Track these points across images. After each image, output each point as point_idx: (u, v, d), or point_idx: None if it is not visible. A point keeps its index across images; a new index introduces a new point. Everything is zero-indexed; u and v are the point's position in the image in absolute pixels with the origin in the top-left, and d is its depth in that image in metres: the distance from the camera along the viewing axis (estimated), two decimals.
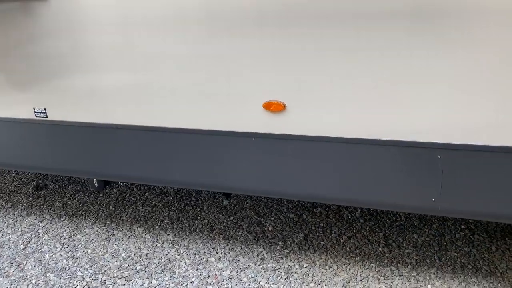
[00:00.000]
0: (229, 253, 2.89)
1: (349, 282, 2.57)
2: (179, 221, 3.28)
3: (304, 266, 2.73)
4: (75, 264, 2.84)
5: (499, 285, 2.44)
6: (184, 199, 3.55)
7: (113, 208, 3.49)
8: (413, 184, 1.90)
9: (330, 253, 2.82)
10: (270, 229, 3.12)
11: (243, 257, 2.84)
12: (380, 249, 2.83)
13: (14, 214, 3.48)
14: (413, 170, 1.88)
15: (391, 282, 2.54)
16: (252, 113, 2.03)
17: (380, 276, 2.60)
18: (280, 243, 2.96)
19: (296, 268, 2.71)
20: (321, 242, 2.94)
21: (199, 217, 3.31)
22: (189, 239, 3.04)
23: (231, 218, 3.28)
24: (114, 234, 3.14)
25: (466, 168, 1.79)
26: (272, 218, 3.24)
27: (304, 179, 2.07)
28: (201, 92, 2.05)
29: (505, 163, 1.72)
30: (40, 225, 3.32)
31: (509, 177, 1.74)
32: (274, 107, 1.97)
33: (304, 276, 2.64)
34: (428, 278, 2.55)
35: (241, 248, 2.93)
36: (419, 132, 1.81)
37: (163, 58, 2.04)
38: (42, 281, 2.70)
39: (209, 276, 2.67)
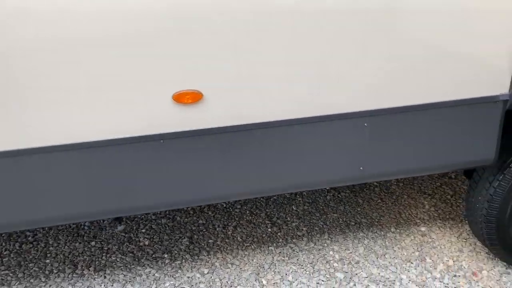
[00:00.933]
0: (112, 286, 2.34)
1: (258, 273, 2.42)
2: (22, 266, 2.48)
3: (206, 273, 2.43)
4: None
5: (382, 232, 2.69)
6: (16, 237, 2.71)
7: None
8: (343, 157, 1.85)
9: (225, 249, 2.60)
10: (147, 243, 2.66)
11: (132, 286, 2.35)
12: (269, 229, 2.76)
13: None
14: (343, 143, 1.82)
15: (297, 259, 2.50)
16: (159, 108, 1.60)
17: (284, 257, 2.53)
18: (166, 255, 2.56)
19: (198, 277, 2.40)
20: (210, 241, 2.67)
21: (48, 254, 2.58)
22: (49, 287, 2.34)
23: (92, 243, 2.67)
24: None
25: (386, 131, 1.83)
26: (143, 231, 2.78)
27: (232, 176, 1.77)
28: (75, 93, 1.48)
29: (419, 120, 1.82)
30: None
31: (421, 133, 1.86)
32: (188, 98, 1.59)
33: (211, 283, 2.35)
34: (326, 245, 2.61)
35: (124, 276, 2.41)
36: (346, 103, 1.74)
37: None
38: None
39: None
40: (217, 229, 2.78)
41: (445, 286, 2.25)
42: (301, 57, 1.61)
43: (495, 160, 1.96)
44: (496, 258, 2.38)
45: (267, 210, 2.95)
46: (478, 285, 2.24)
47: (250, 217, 2.88)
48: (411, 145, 1.87)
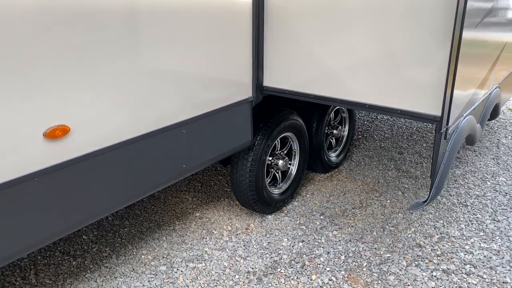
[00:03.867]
0: None
1: None
2: None
3: None
4: None
5: (171, 227, 3.22)
6: None
7: None
8: (170, 161, 2.31)
9: None
10: None
11: None
12: (74, 263, 2.81)
13: None
14: (169, 149, 2.28)
15: (119, 273, 2.72)
16: (31, 147, 1.64)
17: (106, 276, 2.69)
18: None
19: None
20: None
21: None
22: None
23: None
24: None
25: (197, 133, 2.44)
26: None
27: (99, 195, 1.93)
28: None
29: (209, 122, 2.52)
30: None
31: (211, 132, 2.56)
32: (58, 133, 1.70)
33: None
34: (134, 253, 2.92)
35: None
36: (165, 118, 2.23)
37: None
38: None
39: None
40: (17, 282, 2.60)
41: (236, 243, 3.04)
42: (126, 91, 1.99)
43: (251, 142, 2.90)
44: (253, 213, 3.36)
45: (59, 248, 2.94)
46: (252, 233, 3.15)
47: (45, 260, 2.81)
48: (208, 140, 2.55)
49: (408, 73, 2.37)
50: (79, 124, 1.80)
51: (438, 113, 2.25)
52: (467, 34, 2.26)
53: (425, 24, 2.24)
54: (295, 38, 2.70)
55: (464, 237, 3.07)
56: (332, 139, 4.07)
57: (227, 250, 2.94)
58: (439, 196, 3.59)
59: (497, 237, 3.07)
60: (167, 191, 3.70)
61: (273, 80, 2.85)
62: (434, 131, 4.58)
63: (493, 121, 5.34)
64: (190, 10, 2.21)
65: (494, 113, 3.69)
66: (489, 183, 3.85)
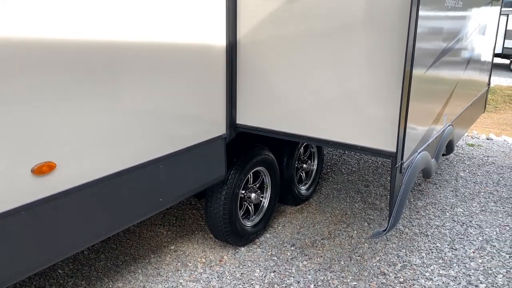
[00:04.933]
0: None
1: None
2: None
3: None
4: None
5: (146, 260, 3.30)
6: None
7: None
8: (150, 195, 2.46)
9: None
10: None
11: None
12: None
13: None
14: (147, 183, 2.43)
15: None
16: (19, 183, 1.76)
17: None
18: None
19: None
20: None
21: None
22: None
23: None
24: None
25: (174, 168, 2.60)
26: None
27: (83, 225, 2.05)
28: None
29: (186, 157, 2.68)
30: None
31: (185, 168, 2.72)
32: (45, 169, 1.84)
33: None
34: (110, 286, 2.99)
35: None
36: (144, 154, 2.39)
37: None
38: None
39: None
40: None
41: (210, 275, 3.14)
42: (107, 130, 2.14)
43: (225, 176, 3.07)
44: (227, 245, 3.48)
45: (34, 283, 2.97)
46: (226, 265, 3.26)
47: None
48: (184, 175, 2.71)
49: (367, 112, 2.62)
50: (65, 160, 1.94)
51: (393, 149, 2.50)
52: (417, 76, 2.55)
53: (380, 66, 2.51)
54: (265, 80, 2.94)
55: (425, 265, 3.27)
56: (302, 173, 4.29)
57: (202, 281, 3.05)
58: (402, 226, 3.82)
59: (455, 264, 3.29)
60: (142, 225, 3.80)
61: (245, 118, 3.06)
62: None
63: (451, 155, 5.69)
64: (168, 54, 2.41)
65: (449, 148, 4.00)
66: (448, 214, 4.11)
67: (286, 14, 2.77)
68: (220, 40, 2.81)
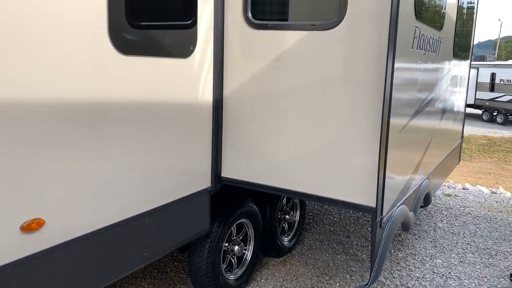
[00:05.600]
0: None
1: None
2: None
3: None
4: None
5: None
6: None
7: None
8: (136, 250, 2.47)
9: None
10: None
11: None
12: None
13: None
14: (133, 237, 2.45)
15: None
16: (8, 240, 1.78)
17: None
18: None
19: None
20: None
21: None
22: None
23: None
24: None
25: (160, 222, 2.62)
26: None
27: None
28: None
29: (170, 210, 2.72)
30: None
31: (170, 221, 2.75)
32: (34, 226, 1.86)
33: None
34: None
35: None
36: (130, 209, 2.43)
37: None
38: None
39: None
40: None
41: None
42: (94, 186, 2.19)
43: (209, 229, 3.10)
44: None
45: None
46: None
47: None
48: (169, 229, 2.73)
49: (347, 166, 2.74)
50: (53, 217, 1.97)
51: (373, 204, 2.59)
52: (395, 130, 2.70)
53: (359, 121, 2.65)
54: (249, 133, 3.05)
55: None
56: (285, 224, 4.33)
57: None
58: (383, 278, 3.85)
59: None
60: (123, 278, 3.73)
61: (230, 171, 3.14)
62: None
63: (429, 206, 5.83)
64: (156, 109, 2.51)
65: (427, 201, 4.13)
66: (427, 265, 4.18)
67: (269, 72, 2.93)
68: (207, 97, 2.93)
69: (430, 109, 3.75)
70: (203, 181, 3.00)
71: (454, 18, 4.35)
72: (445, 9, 3.89)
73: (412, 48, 2.96)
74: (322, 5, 2.88)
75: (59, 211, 2.00)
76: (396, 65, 2.55)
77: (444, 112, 4.44)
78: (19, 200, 1.83)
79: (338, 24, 2.67)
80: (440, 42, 3.77)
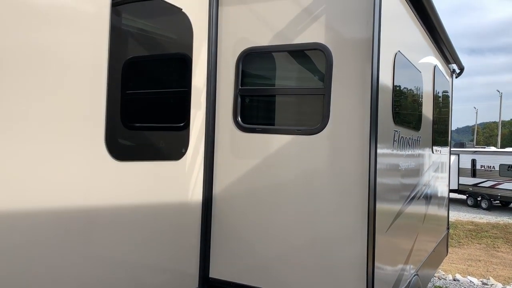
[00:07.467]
0: None
1: None
2: None
3: None
4: None
5: None
6: None
7: None
8: None
9: None
10: None
11: None
12: None
13: None
14: None
15: None
16: None
17: None
18: None
19: None
20: None
21: None
22: None
23: None
24: None
25: None
26: None
27: None
28: None
29: None
30: None
31: None
32: None
33: None
34: None
35: None
36: None
37: None
38: None
39: None
40: None
41: None
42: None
43: None
44: None
45: None
46: None
47: None
48: None
49: (334, 270, 2.75)
50: None
51: None
52: (381, 233, 2.76)
53: (342, 222, 2.72)
54: (238, 233, 3.08)
55: None
56: None
57: None
58: None
59: None
60: None
61: (218, 272, 3.11)
62: None
63: None
64: (145, 213, 2.55)
65: None
66: None
67: (257, 171, 3.04)
68: (196, 197, 3.00)
69: (414, 206, 3.85)
70: (190, 283, 2.96)
71: (431, 108, 4.62)
72: (421, 105, 4.15)
73: (393, 150, 3.13)
74: (306, 112, 3.09)
75: None
76: (379, 166, 2.69)
77: (430, 201, 4.55)
78: None
79: (322, 130, 2.84)
80: (419, 141, 3.99)
